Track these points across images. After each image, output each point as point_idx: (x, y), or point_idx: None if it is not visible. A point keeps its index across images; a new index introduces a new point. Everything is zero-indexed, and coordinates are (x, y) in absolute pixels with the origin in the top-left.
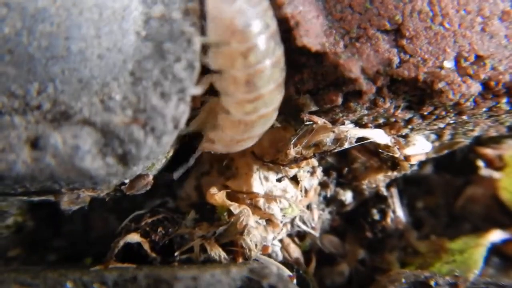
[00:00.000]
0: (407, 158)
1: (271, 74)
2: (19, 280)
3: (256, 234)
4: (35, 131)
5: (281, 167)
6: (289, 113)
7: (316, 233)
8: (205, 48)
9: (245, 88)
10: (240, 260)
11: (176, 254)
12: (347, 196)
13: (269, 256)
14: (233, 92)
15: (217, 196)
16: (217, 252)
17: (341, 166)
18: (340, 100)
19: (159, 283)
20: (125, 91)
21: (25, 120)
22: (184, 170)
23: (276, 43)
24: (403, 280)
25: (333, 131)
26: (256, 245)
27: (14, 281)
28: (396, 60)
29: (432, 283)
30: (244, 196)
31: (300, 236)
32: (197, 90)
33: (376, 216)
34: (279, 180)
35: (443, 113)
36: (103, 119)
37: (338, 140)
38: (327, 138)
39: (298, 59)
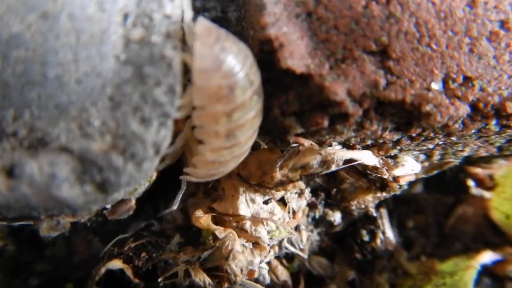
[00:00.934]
0: (396, 179)
1: (251, 123)
2: None
3: (241, 259)
4: (11, 159)
5: (267, 191)
6: (276, 135)
7: (305, 255)
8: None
9: (225, 139)
10: (226, 285)
11: (159, 279)
12: (336, 217)
13: (256, 280)
14: (212, 142)
15: (203, 219)
16: (202, 278)
17: (330, 186)
18: (326, 123)
19: None
20: (103, 117)
21: (1, 148)
22: (179, 198)
23: (259, 95)
24: None
25: (320, 153)
26: (241, 270)
27: None
28: (382, 82)
29: None
30: (231, 218)
31: (288, 258)
32: (179, 114)
33: (366, 237)
34: (265, 203)
35: (432, 134)
36: (80, 146)
37: (325, 162)
38: (314, 161)
39: (282, 81)
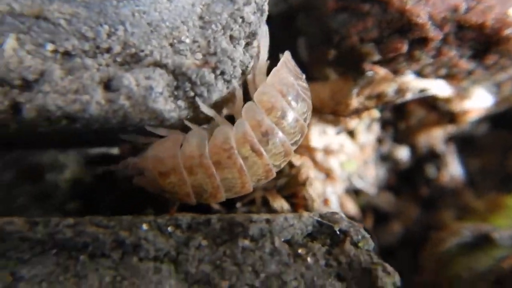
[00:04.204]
0: (466, 111)
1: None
2: (95, 222)
3: (318, 186)
4: (107, 73)
5: (340, 120)
6: (350, 64)
7: (372, 190)
8: None
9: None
10: (302, 212)
11: (238, 205)
12: (403, 153)
13: None
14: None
15: None
16: (280, 204)
17: (397, 121)
18: (405, 48)
19: (233, 226)
20: (194, 35)
21: (97, 62)
22: None
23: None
24: (465, 233)
25: (396, 82)
26: (318, 197)
27: (89, 223)
28: (463, 6)
29: (496, 236)
30: (303, 150)
31: (356, 192)
32: None
33: (432, 174)
34: (337, 134)
35: (507, 62)
36: (174, 61)
37: (400, 91)
38: (390, 89)
39: (361, 8)
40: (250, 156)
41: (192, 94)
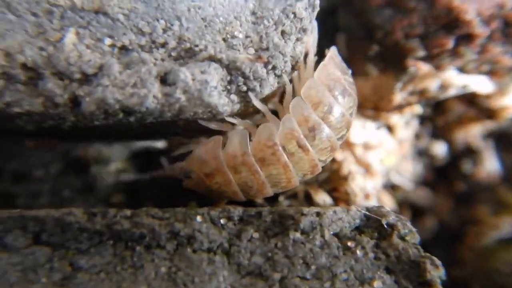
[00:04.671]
0: (506, 107)
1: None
2: (151, 214)
3: (360, 181)
4: (164, 67)
5: (380, 116)
6: (390, 60)
7: (409, 185)
8: None
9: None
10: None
11: (280, 199)
12: (440, 149)
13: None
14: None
15: None
16: (322, 198)
17: (435, 117)
18: (451, 44)
19: (284, 219)
20: (247, 30)
21: (153, 57)
22: None
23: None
24: (504, 228)
25: (439, 77)
26: (360, 191)
27: (146, 214)
28: (510, 2)
29: None
30: (343, 144)
31: (392, 187)
32: None
33: (468, 169)
34: (377, 129)
35: None
36: (228, 56)
37: (443, 87)
38: (433, 85)
39: (406, 4)
40: (296, 152)
41: (245, 88)
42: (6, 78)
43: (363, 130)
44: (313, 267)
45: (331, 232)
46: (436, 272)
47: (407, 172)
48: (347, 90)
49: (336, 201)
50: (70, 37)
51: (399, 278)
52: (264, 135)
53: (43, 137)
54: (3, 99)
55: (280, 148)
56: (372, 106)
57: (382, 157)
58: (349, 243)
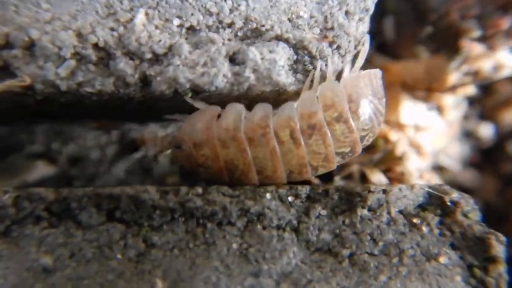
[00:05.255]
0: None
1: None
2: (221, 191)
3: (414, 160)
4: (232, 47)
5: (432, 97)
6: (443, 41)
7: (457, 167)
8: None
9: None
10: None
11: (335, 179)
12: (487, 130)
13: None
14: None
15: None
16: (378, 178)
17: (483, 98)
18: (507, 24)
19: (352, 196)
20: (311, 10)
21: (221, 37)
22: None
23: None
24: None
25: (493, 58)
26: (415, 171)
27: (217, 192)
28: None
29: None
30: (393, 125)
31: (439, 169)
32: None
33: None
34: (428, 110)
35: None
36: (295, 35)
37: (496, 68)
38: (487, 65)
39: None
40: (287, 142)
41: (310, 67)
42: (79, 58)
43: (414, 111)
44: (380, 243)
45: (397, 209)
46: (501, 247)
47: (454, 154)
48: (370, 113)
49: (391, 181)
50: (140, 17)
51: (465, 254)
52: (259, 115)
53: (105, 118)
54: (76, 79)
55: (272, 131)
56: (425, 87)
57: (432, 138)
58: (414, 220)
